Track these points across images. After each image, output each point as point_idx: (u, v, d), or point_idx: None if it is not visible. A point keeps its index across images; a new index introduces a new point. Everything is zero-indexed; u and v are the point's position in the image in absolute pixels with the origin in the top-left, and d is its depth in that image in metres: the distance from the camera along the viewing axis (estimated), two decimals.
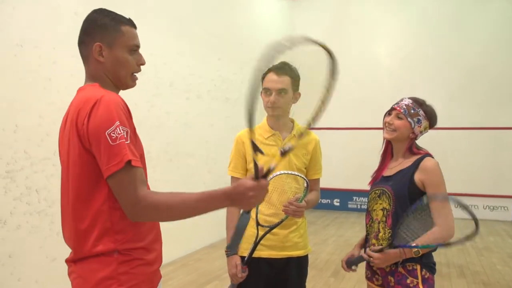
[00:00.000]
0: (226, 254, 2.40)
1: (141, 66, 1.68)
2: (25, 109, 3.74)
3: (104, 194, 1.45)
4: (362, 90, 9.69)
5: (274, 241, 2.40)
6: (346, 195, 10.09)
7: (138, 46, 1.63)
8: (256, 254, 2.37)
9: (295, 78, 2.42)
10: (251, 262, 2.33)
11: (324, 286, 4.88)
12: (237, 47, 7.72)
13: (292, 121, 2.55)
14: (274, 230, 2.36)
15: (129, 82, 1.64)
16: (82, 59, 1.64)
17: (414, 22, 9.70)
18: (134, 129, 1.51)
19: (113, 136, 1.36)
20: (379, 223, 2.29)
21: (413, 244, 2.08)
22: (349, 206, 10.12)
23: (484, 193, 9.07)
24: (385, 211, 2.26)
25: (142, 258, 1.51)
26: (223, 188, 1.46)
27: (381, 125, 2.40)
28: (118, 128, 1.37)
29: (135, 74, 1.65)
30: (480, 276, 5.30)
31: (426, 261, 2.21)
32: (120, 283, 1.45)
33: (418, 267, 2.18)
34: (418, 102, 2.31)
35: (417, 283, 2.15)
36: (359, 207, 10.00)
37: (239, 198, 1.45)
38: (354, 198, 10.09)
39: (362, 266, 2.43)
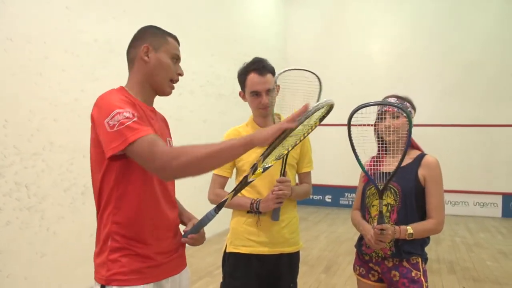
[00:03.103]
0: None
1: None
2: (15, 104, 3.70)
3: (111, 181, 1.62)
4: (356, 87, 9.70)
5: (266, 238, 2.39)
6: (338, 191, 10.13)
7: (179, 57, 1.82)
8: (247, 250, 2.39)
9: (273, 72, 2.41)
10: (242, 259, 2.38)
11: (315, 282, 4.89)
12: (231, 44, 7.69)
13: (279, 115, 2.53)
14: (265, 227, 2.38)
15: (166, 87, 1.79)
16: (128, 63, 1.79)
17: (410, 20, 9.73)
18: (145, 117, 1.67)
19: (111, 124, 1.51)
20: None
21: (408, 228, 2.16)
22: (341, 202, 10.16)
23: (474, 189, 9.15)
24: (389, 207, 2.27)
25: (132, 249, 1.63)
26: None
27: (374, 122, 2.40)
28: (117, 115, 1.52)
29: (172, 82, 1.80)
30: (470, 272, 5.35)
31: (424, 254, 2.31)
32: (108, 268, 1.61)
33: (420, 260, 2.27)
34: (399, 98, 2.33)
35: (420, 275, 2.24)
36: (351, 203, 10.02)
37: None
38: (346, 194, 10.14)
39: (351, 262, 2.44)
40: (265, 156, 1.64)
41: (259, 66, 2.35)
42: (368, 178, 2.24)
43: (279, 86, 2.44)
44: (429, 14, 9.55)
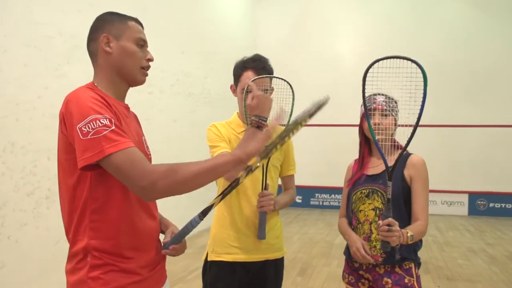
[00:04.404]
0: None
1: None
2: None
3: (85, 190, 1.46)
4: (326, 87, 9.65)
5: (250, 244, 2.26)
6: (308, 192, 10.10)
7: (145, 41, 1.67)
8: (231, 258, 2.25)
9: (272, 74, 2.30)
10: (225, 268, 2.23)
11: (292, 285, 4.78)
12: (201, 41, 7.54)
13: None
14: (249, 233, 2.25)
15: (137, 75, 1.64)
16: (91, 58, 1.64)
17: (378, 19, 9.81)
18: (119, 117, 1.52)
19: (84, 131, 1.36)
20: (370, 223, 2.19)
21: (408, 230, 2.00)
22: (311, 203, 10.15)
23: (441, 189, 9.32)
24: (377, 211, 2.18)
25: (115, 264, 1.47)
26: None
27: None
28: (93, 122, 1.36)
29: (144, 70, 1.67)
30: (443, 271, 5.38)
31: (417, 258, 2.21)
32: (89, 287, 1.44)
33: (413, 265, 2.18)
34: (387, 96, 2.26)
35: (413, 281, 2.14)
36: (321, 204, 10.05)
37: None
38: (316, 195, 10.13)
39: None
40: (262, 157, 1.56)
41: (258, 67, 2.23)
42: (376, 144, 2.09)
43: (273, 88, 2.31)
44: (395, 15, 9.67)
